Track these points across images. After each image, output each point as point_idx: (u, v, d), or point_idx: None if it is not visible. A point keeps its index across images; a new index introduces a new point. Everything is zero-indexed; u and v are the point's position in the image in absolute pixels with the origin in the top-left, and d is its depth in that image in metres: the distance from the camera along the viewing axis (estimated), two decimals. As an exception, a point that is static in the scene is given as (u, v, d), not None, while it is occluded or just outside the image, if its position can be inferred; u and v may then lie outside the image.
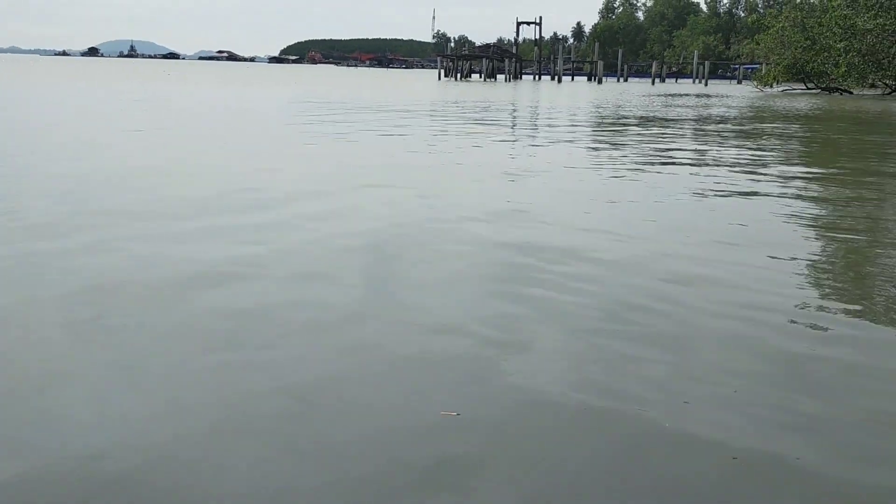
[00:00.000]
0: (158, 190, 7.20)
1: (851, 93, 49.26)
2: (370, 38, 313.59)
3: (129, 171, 8.48)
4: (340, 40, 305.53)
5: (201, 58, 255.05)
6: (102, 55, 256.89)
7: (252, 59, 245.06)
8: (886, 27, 40.49)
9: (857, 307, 4.09)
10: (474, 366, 3.15)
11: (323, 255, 4.91)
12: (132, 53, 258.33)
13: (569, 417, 2.72)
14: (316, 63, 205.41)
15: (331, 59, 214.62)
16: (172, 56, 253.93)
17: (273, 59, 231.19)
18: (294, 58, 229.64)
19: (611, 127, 17.81)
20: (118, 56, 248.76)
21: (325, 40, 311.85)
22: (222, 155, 10.15)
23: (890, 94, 47.47)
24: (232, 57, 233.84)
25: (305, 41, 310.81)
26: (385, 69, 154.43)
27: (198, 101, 24.69)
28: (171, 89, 31.92)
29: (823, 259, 5.25)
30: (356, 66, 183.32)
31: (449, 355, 3.26)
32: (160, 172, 8.39)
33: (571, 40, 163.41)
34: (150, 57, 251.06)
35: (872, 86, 48.71)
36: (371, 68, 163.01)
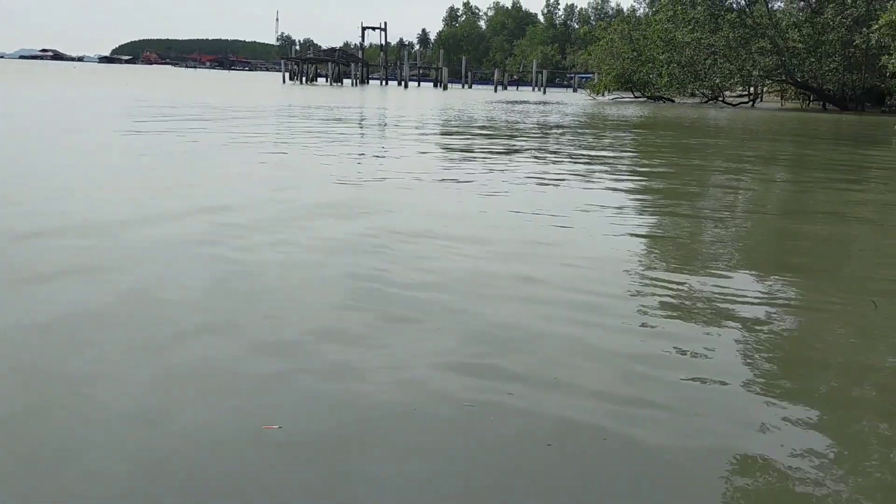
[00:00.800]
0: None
1: (673, 101, 53.34)
2: (210, 38, 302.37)
3: None
4: (178, 40, 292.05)
5: (22, 56, 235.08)
6: None
7: (80, 59, 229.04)
8: (702, 41, 44.12)
9: (682, 298, 4.45)
10: (304, 378, 3.16)
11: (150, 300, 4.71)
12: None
13: (390, 422, 2.79)
14: (152, 63, 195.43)
15: (168, 60, 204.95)
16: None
17: (104, 59, 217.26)
18: (127, 58, 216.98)
19: (456, 133, 18.22)
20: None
21: (161, 40, 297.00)
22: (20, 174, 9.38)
23: (706, 102, 51.80)
24: (58, 56, 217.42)
25: (140, 40, 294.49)
26: (227, 71, 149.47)
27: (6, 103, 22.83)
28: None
29: (655, 255, 5.66)
30: (196, 67, 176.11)
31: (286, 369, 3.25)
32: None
33: (417, 46, 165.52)
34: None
35: (692, 94, 53.00)
36: (212, 70, 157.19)
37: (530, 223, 6.55)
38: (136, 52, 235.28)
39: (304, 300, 4.11)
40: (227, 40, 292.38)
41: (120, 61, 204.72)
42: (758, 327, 3.93)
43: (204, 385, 2.97)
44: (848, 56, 40.93)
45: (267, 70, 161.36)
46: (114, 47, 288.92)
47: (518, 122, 22.76)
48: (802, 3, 45.61)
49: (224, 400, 2.84)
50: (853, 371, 3.42)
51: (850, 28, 39.24)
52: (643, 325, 3.90)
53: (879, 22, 31.59)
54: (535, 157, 12.46)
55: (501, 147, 14.09)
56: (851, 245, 6.56)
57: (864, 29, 35.86)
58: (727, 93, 52.17)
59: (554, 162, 11.93)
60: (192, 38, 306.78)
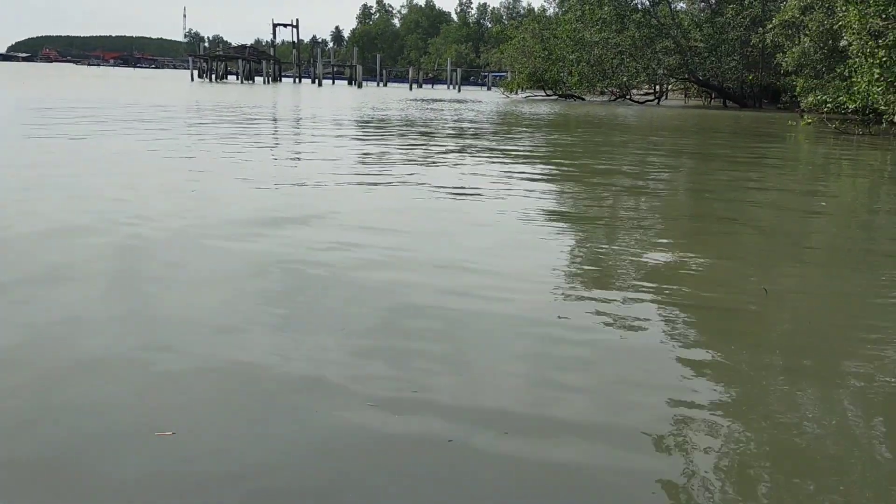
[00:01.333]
0: None
1: (584, 99, 54.54)
2: (114, 35, 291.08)
3: None
4: (80, 37, 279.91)
5: None
6: None
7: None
8: (609, 40, 45.29)
9: (599, 291, 4.58)
10: (204, 380, 3.12)
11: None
12: None
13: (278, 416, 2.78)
14: (52, 61, 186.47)
15: (69, 58, 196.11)
16: None
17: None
18: (25, 55, 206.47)
19: (373, 132, 18.14)
20: None
21: (62, 37, 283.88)
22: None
23: (615, 99, 53.22)
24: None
25: (39, 37, 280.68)
26: (132, 69, 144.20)
27: None
28: None
29: (566, 250, 5.79)
30: (99, 65, 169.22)
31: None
32: None
33: (331, 44, 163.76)
34: None
35: (601, 93, 54.38)
36: (116, 68, 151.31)
37: (448, 223, 6.61)
38: (35, 50, 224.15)
39: (210, 318, 4.03)
40: (131, 37, 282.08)
41: (17, 59, 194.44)
42: (657, 328, 4.10)
43: (95, 420, 2.89)
44: (746, 55, 42.79)
45: (175, 68, 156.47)
46: (10, 44, 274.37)
47: (434, 120, 22.84)
48: (703, 3, 47.43)
49: (117, 403, 2.77)
50: (755, 365, 3.61)
51: (748, 28, 41.04)
52: (554, 335, 4.01)
53: (774, 21, 33.17)
54: (453, 155, 12.55)
55: (418, 146, 14.13)
56: (747, 234, 6.89)
57: (760, 29, 37.57)
58: (634, 91, 53.72)
59: (472, 156, 12.06)
60: (94, 34, 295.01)
